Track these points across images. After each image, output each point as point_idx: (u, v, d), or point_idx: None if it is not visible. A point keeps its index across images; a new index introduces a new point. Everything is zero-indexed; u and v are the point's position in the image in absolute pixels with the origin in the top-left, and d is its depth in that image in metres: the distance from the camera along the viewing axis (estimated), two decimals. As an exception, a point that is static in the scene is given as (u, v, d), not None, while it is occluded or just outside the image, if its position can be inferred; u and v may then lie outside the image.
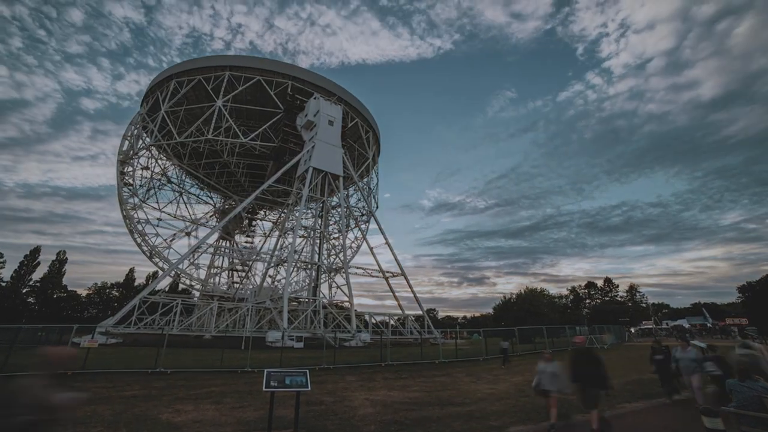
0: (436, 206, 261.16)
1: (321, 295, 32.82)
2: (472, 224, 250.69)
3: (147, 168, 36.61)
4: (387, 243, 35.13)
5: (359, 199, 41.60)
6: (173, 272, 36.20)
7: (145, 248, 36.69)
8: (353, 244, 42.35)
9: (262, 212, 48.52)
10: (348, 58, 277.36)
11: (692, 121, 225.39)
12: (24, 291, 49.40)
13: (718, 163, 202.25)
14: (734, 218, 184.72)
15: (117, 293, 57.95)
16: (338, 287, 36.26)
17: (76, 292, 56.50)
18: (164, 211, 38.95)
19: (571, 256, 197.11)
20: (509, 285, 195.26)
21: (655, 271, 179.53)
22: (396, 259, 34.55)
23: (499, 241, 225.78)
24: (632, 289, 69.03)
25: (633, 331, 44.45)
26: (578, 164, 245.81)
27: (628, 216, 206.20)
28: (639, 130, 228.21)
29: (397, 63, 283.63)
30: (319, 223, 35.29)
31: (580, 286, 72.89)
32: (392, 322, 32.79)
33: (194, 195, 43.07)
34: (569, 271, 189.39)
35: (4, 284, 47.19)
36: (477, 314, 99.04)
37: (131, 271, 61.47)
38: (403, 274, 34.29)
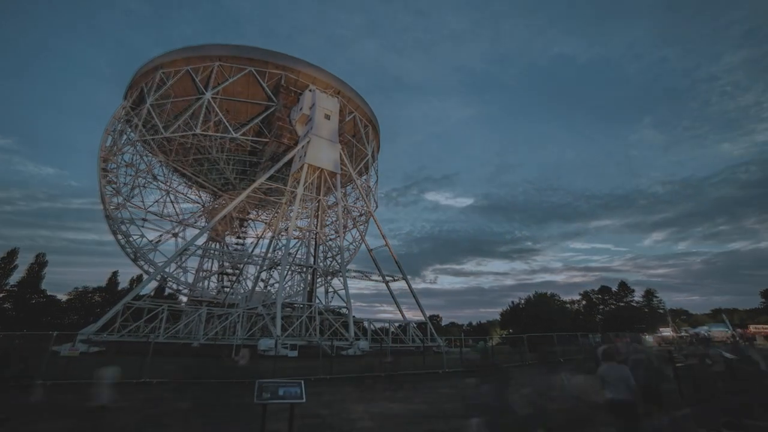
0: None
1: (317, 301, 32.82)
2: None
3: (131, 165, 36.60)
4: (387, 245, 35.17)
5: (357, 198, 41.61)
6: (159, 276, 36.17)
7: (129, 250, 36.68)
8: (351, 246, 42.37)
9: (253, 212, 48.52)
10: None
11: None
12: (0, 296, 49.36)
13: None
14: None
15: (99, 298, 57.89)
16: (335, 292, 36.29)
17: (55, 296, 56.50)
18: (150, 211, 38.93)
19: (500, 243, 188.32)
20: (455, 283, 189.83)
21: (631, 263, 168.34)
22: (396, 262, 34.60)
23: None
24: (649, 294, 69.09)
25: (651, 339, 44.42)
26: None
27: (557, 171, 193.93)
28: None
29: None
30: (315, 223, 35.28)
31: (593, 290, 73.01)
32: (393, 329, 32.80)
33: (182, 194, 43.07)
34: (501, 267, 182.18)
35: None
36: (483, 321, 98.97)
37: (114, 274, 61.47)
38: (404, 278, 34.32)
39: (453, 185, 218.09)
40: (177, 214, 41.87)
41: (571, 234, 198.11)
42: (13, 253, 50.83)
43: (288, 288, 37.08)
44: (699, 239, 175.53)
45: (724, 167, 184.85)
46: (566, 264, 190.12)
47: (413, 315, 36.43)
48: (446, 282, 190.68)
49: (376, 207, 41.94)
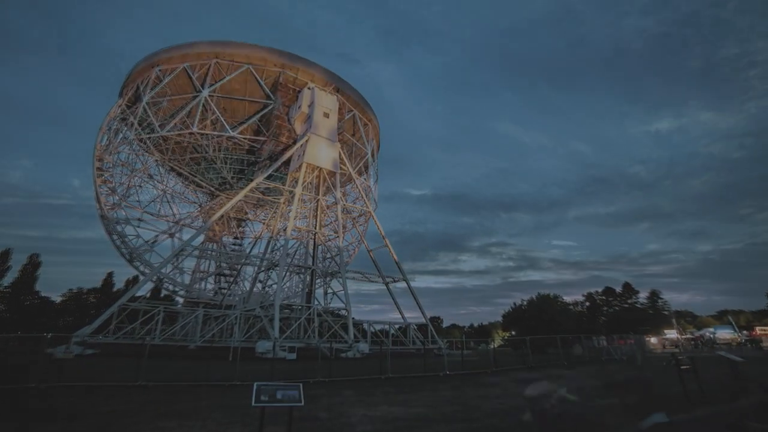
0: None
1: (315, 302, 32.83)
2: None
3: (127, 164, 36.62)
4: (387, 245, 35.15)
5: (356, 198, 41.60)
6: (155, 277, 36.19)
7: (124, 251, 36.67)
8: (350, 246, 42.36)
9: (251, 212, 48.50)
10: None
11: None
12: (-7, 298, 49.30)
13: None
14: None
15: (94, 299, 57.84)
16: (334, 293, 36.26)
17: (49, 298, 56.43)
18: (146, 211, 38.92)
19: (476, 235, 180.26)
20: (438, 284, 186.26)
21: (623, 259, 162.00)
22: (397, 263, 34.58)
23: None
24: (654, 296, 69.07)
25: (655, 341, 44.45)
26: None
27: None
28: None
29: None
30: (314, 223, 35.27)
31: (597, 291, 72.94)
32: (393, 331, 32.81)
33: (178, 193, 43.07)
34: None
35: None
36: (485, 323, 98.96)
37: (109, 275, 61.39)
38: (405, 278, 34.30)
39: (407, 166, 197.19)
40: (173, 214, 41.88)
41: (549, 225, 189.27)
42: (6, 254, 50.84)
43: (286, 289, 37.03)
44: (690, 234, 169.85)
45: (710, 141, 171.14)
46: (553, 261, 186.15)
47: (408, 315, 36.34)
48: (431, 281, 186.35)
49: (376, 207, 41.94)
